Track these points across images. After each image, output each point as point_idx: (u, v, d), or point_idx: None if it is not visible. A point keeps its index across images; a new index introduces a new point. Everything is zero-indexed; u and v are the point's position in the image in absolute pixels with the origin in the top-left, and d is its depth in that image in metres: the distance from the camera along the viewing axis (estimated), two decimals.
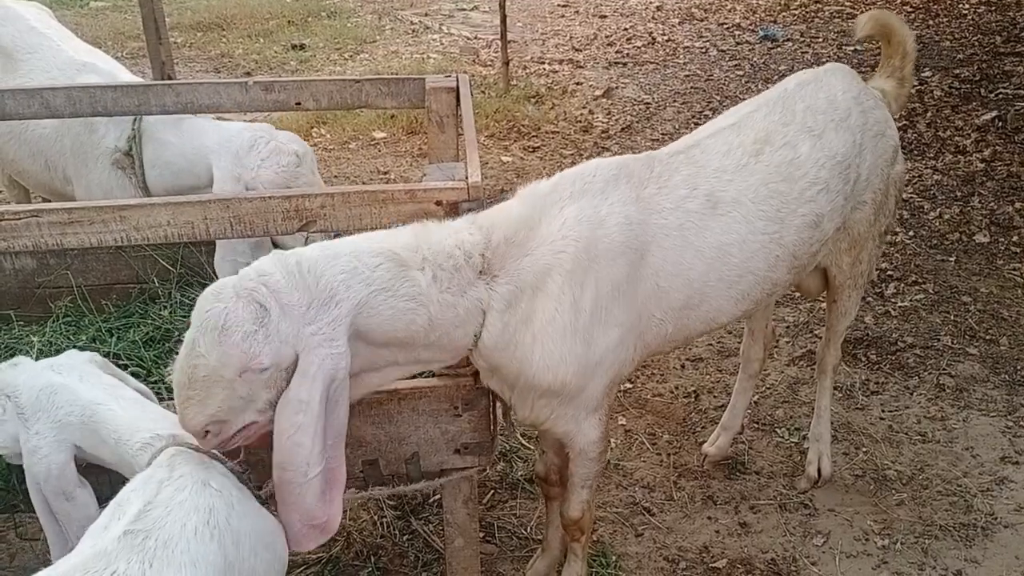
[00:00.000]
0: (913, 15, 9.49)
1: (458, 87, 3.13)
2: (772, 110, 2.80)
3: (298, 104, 3.25)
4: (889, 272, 5.02)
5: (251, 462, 2.44)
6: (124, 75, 3.68)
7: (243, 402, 1.97)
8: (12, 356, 2.84)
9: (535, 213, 2.32)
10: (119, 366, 2.79)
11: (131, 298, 3.24)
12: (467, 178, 2.35)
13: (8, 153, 3.71)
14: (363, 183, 6.18)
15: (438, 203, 2.31)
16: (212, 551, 1.74)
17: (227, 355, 1.91)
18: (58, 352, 2.85)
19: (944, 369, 4.23)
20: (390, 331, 2.11)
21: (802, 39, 9.26)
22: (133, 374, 2.73)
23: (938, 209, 5.65)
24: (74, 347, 2.89)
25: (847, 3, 10.32)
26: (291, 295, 1.97)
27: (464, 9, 11.31)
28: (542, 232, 2.29)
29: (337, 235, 2.33)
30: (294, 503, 2.00)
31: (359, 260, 2.07)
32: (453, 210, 2.33)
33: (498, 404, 2.63)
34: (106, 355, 2.82)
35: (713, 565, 3.21)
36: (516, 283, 2.25)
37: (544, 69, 8.70)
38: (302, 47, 9.41)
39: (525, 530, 3.36)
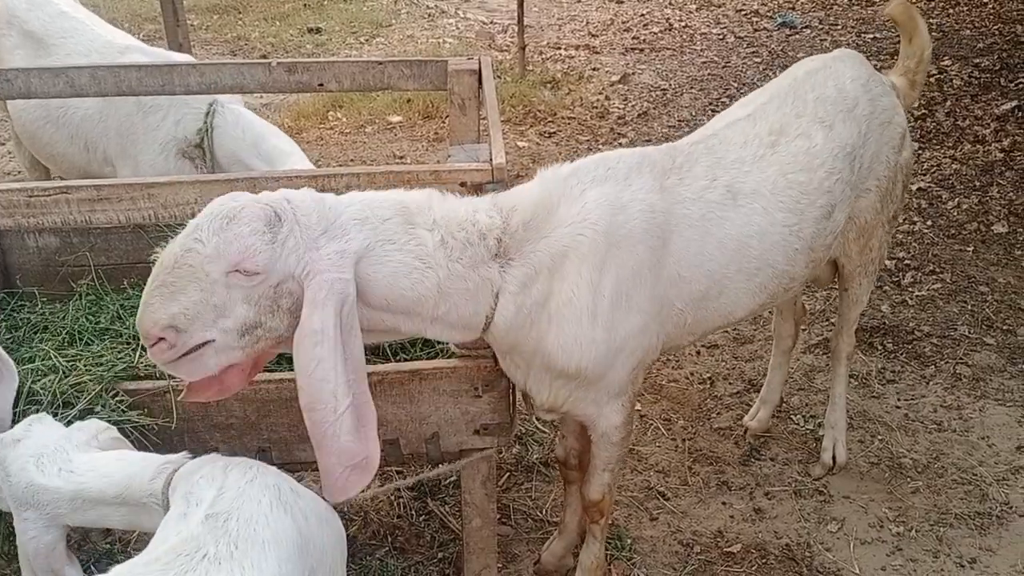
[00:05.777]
0: (933, 3, 9.40)
1: (480, 69, 3.13)
2: (784, 101, 2.80)
3: (320, 85, 3.25)
4: (907, 261, 5.00)
5: (272, 439, 2.48)
6: (173, 57, 3.72)
7: (213, 313, 1.94)
8: (36, 333, 2.88)
9: (554, 196, 2.31)
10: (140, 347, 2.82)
11: None
12: (491, 159, 2.36)
13: (43, 137, 3.73)
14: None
15: (463, 184, 2.33)
16: (288, 526, 1.77)
17: (226, 244, 1.89)
18: (82, 333, 2.87)
19: (961, 358, 4.22)
20: (394, 288, 2.09)
21: (820, 26, 9.19)
22: None
23: (956, 199, 5.62)
24: (97, 325, 2.91)
25: None
26: (310, 216, 1.99)
27: None
28: (560, 214, 2.29)
29: None
30: (329, 444, 1.97)
31: (371, 209, 2.08)
32: (477, 191, 2.34)
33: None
34: (129, 334, 2.83)
35: (727, 550, 3.23)
36: (532, 266, 2.24)
37: (560, 55, 8.66)
38: (318, 31, 9.39)
39: (540, 512, 3.38)
